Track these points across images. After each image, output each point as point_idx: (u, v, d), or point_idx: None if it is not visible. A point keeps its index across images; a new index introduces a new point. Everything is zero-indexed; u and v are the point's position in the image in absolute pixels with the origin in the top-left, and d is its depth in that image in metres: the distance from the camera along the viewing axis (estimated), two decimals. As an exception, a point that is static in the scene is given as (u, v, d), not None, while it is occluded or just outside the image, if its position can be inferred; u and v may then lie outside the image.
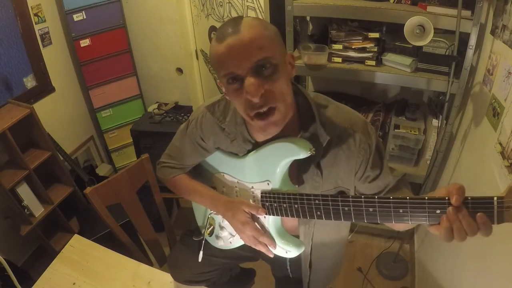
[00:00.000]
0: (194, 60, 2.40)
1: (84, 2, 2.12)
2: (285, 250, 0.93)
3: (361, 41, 1.70)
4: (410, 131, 1.83)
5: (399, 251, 2.02)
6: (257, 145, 0.91)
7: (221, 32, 0.74)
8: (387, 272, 2.03)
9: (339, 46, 1.74)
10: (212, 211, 1.05)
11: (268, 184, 0.89)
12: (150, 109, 2.27)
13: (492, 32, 1.29)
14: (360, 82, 1.96)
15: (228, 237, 1.08)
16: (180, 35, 2.22)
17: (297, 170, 0.90)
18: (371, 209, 0.72)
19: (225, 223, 1.04)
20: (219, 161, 1.02)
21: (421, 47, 1.56)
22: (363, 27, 1.70)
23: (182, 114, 2.13)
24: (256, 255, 0.98)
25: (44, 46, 2.11)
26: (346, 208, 0.75)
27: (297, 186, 0.91)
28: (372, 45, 1.69)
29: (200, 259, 1.05)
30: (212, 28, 2.07)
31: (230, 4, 1.88)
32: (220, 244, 1.13)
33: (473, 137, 1.44)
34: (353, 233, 2.20)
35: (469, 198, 0.61)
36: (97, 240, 1.29)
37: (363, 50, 1.71)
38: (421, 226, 1.79)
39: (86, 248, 1.26)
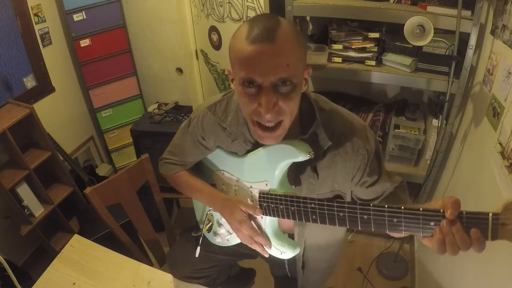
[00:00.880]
0: (194, 60, 2.40)
1: (84, 2, 2.12)
2: (280, 251, 0.93)
3: (361, 41, 1.70)
4: (410, 131, 1.84)
5: (399, 251, 2.02)
6: (257, 145, 0.91)
7: (254, 30, 0.68)
8: (387, 272, 2.03)
9: (339, 46, 1.74)
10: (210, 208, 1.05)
11: (266, 184, 0.89)
12: (150, 109, 2.27)
13: (492, 32, 1.29)
14: (360, 82, 1.96)
15: (226, 235, 1.09)
16: (180, 35, 2.22)
17: (294, 171, 0.90)
18: (365, 217, 0.72)
19: (223, 220, 1.05)
20: (220, 159, 1.03)
21: (421, 47, 1.56)
22: (363, 27, 1.71)
23: (182, 114, 2.13)
24: (255, 253, 0.98)
25: (44, 46, 2.11)
26: (341, 214, 0.75)
27: (294, 186, 0.92)
28: (372, 45, 1.69)
29: (197, 255, 1.05)
30: (212, 28, 2.07)
31: (230, 4, 1.88)
32: (218, 241, 1.13)
33: (473, 137, 1.44)
34: (353, 233, 2.19)
35: (464, 212, 0.60)
36: (97, 240, 1.29)
37: (363, 50, 1.71)
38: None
39: (86, 248, 1.25)
